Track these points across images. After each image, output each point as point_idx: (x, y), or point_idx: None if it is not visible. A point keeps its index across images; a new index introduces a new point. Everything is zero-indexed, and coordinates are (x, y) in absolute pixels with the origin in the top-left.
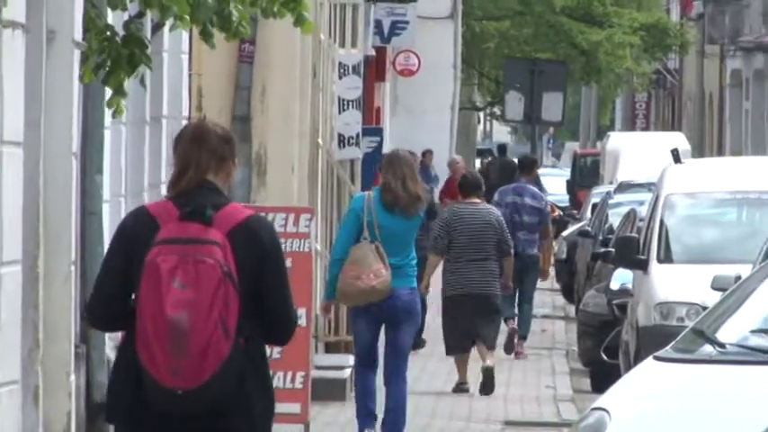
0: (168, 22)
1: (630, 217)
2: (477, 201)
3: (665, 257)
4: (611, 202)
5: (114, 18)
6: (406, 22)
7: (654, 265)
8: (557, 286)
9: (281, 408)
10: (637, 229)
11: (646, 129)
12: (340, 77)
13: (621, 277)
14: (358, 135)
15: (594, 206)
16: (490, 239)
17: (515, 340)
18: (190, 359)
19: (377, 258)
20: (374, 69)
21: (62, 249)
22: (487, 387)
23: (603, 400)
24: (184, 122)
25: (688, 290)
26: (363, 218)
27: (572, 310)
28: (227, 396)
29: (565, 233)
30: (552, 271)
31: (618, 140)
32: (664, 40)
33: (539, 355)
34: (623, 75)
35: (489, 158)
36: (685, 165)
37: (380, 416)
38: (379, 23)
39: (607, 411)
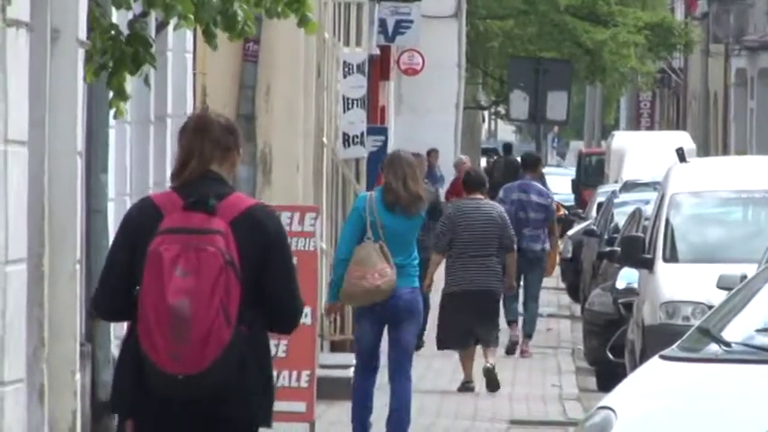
0: (172, 22)
1: (636, 216)
2: (481, 197)
3: (671, 256)
4: (616, 201)
5: (119, 17)
6: (411, 21)
7: (659, 264)
8: (562, 285)
9: (286, 406)
10: (642, 229)
11: (650, 128)
12: (344, 76)
13: (627, 276)
14: (362, 134)
15: (600, 205)
16: (493, 236)
17: (518, 344)
18: (191, 345)
19: (381, 258)
20: (378, 68)
21: (67, 248)
22: (492, 385)
23: (609, 398)
24: None
25: (694, 289)
26: (366, 218)
27: (577, 309)
28: (228, 382)
29: (570, 232)
30: (558, 270)
31: (623, 139)
32: (668, 40)
33: (544, 354)
34: (628, 74)
35: (495, 157)
36: (690, 164)
37: (384, 415)
38: (383, 22)
39: (613, 410)
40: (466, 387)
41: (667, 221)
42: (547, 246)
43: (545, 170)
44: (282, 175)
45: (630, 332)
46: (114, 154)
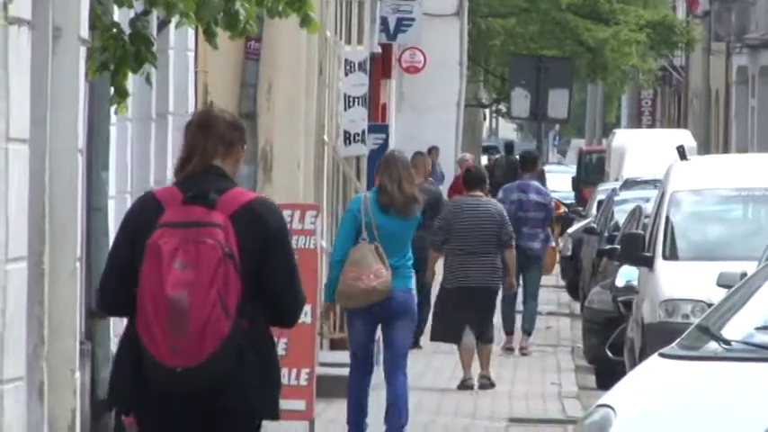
0: (174, 20)
1: (636, 214)
2: (481, 194)
3: (671, 254)
4: (616, 199)
5: (120, 15)
6: (412, 19)
7: (659, 262)
8: (562, 283)
9: (286, 405)
10: (642, 226)
11: (651, 126)
12: (346, 74)
13: (627, 274)
14: (364, 132)
15: (600, 203)
16: (492, 233)
17: (513, 351)
18: (189, 337)
19: (376, 259)
20: (380, 66)
21: (68, 246)
22: (484, 388)
23: (609, 396)
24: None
25: (693, 287)
26: (361, 219)
27: (577, 307)
28: (227, 374)
29: (570, 230)
30: (557, 268)
31: (623, 137)
32: (670, 38)
33: (543, 352)
34: (629, 72)
35: (496, 156)
36: (691, 162)
37: (380, 417)
38: (384, 20)
39: (612, 408)
40: (465, 385)
41: (667, 219)
42: (551, 243)
43: (546, 168)
44: (283, 173)
45: (630, 330)
46: (115, 152)
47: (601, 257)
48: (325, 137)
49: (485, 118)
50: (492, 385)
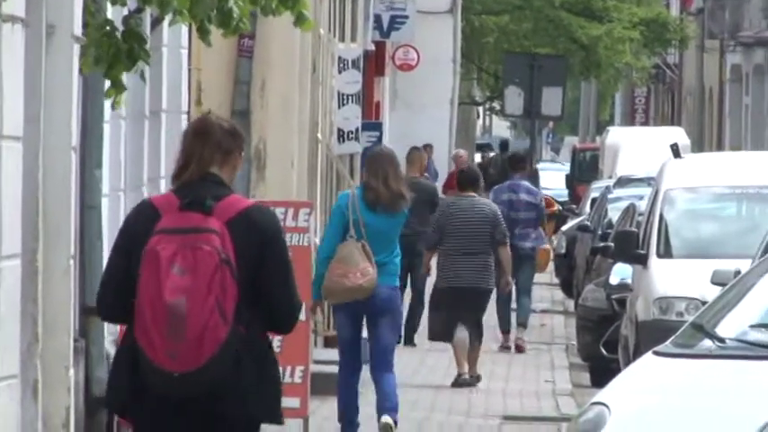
0: (167, 17)
1: (630, 211)
2: (474, 195)
3: (665, 252)
4: (610, 196)
5: (113, 13)
6: (406, 17)
7: (653, 260)
8: (556, 281)
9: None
10: (636, 224)
11: (645, 123)
12: (339, 72)
13: (621, 272)
14: (357, 130)
15: (594, 201)
16: (486, 234)
17: (511, 349)
18: (187, 343)
19: (363, 257)
20: (373, 64)
21: (61, 243)
22: (470, 384)
23: (603, 394)
24: (184, 117)
25: (687, 285)
26: (348, 216)
27: (571, 304)
28: (224, 379)
29: (564, 228)
30: (551, 265)
31: (617, 135)
32: (663, 35)
33: (538, 350)
34: (623, 69)
35: (491, 154)
36: (685, 159)
37: (372, 416)
38: (378, 18)
39: (607, 406)
40: (460, 381)
41: (661, 217)
42: (544, 242)
43: (540, 165)
44: (277, 171)
45: (624, 328)
46: (109, 149)
47: (595, 255)
48: (319, 134)
49: (478, 116)
50: (478, 379)
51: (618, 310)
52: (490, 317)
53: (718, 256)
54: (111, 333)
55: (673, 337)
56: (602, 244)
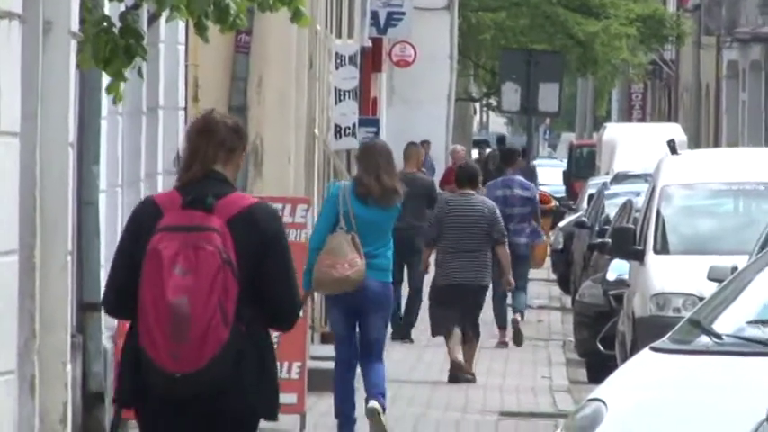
0: (164, 14)
1: (627, 208)
2: (471, 192)
3: (662, 248)
4: (607, 192)
5: (110, 9)
6: (403, 13)
7: (650, 256)
8: (553, 277)
9: None
10: (633, 220)
11: (642, 120)
12: (336, 68)
13: (618, 268)
14: (354, 125)
15: (591, 197)
16: (483, 231)
17: (507, 345)
18: (189, 344)
19: (352, 248)
20: (370, 60)
21: (58, 239)
22: (454, 379)
23: (600, 390)
24: (181, 113)
25: (684, 281)
26: (339, 208)
27: (568, 300)
28: (226, 379)
29: (561, 224)
30: (548, 261)
31: (614, 131)
32: (660, 31)
33: (535, 346)
34: (620, 66)
35: (488, 150)
36: (682, 156)
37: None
38: (375, 14)
39: (603, 402)
40: (455, 371)
41: (658, 213)
42: (542, 237)
43: (536, 162)
44: (274, 167)
45: (621, 324)
46: (106, 145)
47: (592, 251)
48: (316, 130)
49: (475, 112)
50: (473, 378)
51: (615, 307)
52: (486, 314)
53: (715, 252)
54: (108, 328)
55: (670, 333)
56: (599, 240)
